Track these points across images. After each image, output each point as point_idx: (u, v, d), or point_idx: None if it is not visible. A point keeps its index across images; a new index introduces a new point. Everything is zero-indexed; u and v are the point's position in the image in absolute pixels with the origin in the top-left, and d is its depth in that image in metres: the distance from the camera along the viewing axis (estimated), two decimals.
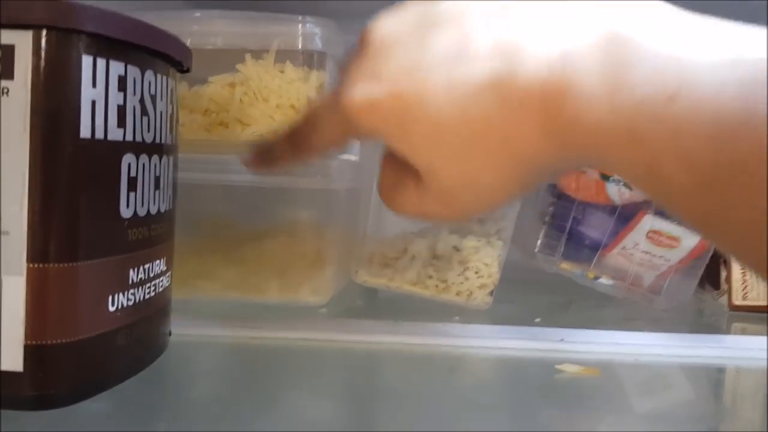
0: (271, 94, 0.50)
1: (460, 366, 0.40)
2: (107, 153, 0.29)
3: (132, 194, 0.30)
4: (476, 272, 0.49)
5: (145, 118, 0.31)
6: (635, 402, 0.35)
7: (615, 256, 0.53)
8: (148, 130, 0.31)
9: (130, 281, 0.31)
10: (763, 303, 0.54)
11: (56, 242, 0.27)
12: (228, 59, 0.50)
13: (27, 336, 0.27)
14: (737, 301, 0.54)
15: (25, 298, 0.27)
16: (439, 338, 0.42)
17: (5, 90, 0.26)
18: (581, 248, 0.54)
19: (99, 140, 0.28)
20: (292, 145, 0.35)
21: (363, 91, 0.28)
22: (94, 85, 0.28)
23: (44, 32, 0.26)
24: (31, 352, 0.27)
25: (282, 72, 0.50)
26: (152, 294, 0.33)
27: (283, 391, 0.34)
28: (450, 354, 0.41)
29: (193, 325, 0.41)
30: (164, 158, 0.33)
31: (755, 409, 0.36)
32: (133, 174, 0.30)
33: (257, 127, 0.50)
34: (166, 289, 0.35)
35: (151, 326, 0.34)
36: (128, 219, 0.30)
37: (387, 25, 0.29)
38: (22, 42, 0.26)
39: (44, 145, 0.26)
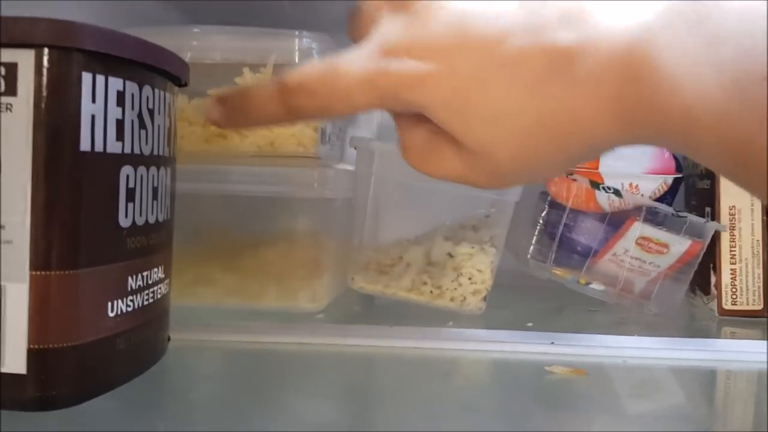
0: None
1: (452, 368, 0.41)
2: (106, 165, 0.30)
3: (130, 204, 0.31)
4: (470, 278, 0.51)
5: (143, 132, 0.32)
6: (624, 403, 0.36)
7: (606, 263, 0.54)
8: (146, 143, 0.33)
9: (129, 288, 0.32)
10: (752, 307, 0.55)
11: (58, 250, 0.28)
12: (226, 73, 0.52)
13: (30, 340, 0.28)
14: (727, 305, 0.55)
15: (28, 304, 0.28)
16: (433, 342, 0.43)
17: (8, 106, 0.27)
18: (573, 255, 0.55)
19: (98, 153, 0.29)
20: (285, 107, 0.29)
21: (415, 65, 0.25)
22: (93, 100, 0.29)
23: (46, 51, 0.27)
24: (34, 355, 0.28)
25: None
26: (151, 301, 0.34)
27: (280, 393, 0.35)
28: (443, 357, 0.42)
29: (191, 331, 0.42)
30: (162, 170, 0.35)
31: (746, 412, 0.37)
32: (131, 185, 0.32)
33: (255, 138, 0.51)
34: (165, 296, 0.37)
35: (150, 331, 0.35)
36: (127, 228, 0.31)
37: None
38: (24, 60, 0.27)
39: (46, 158, 0.28)
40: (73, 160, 0.28)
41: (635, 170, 0.53)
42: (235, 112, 0.31)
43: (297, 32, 0.51)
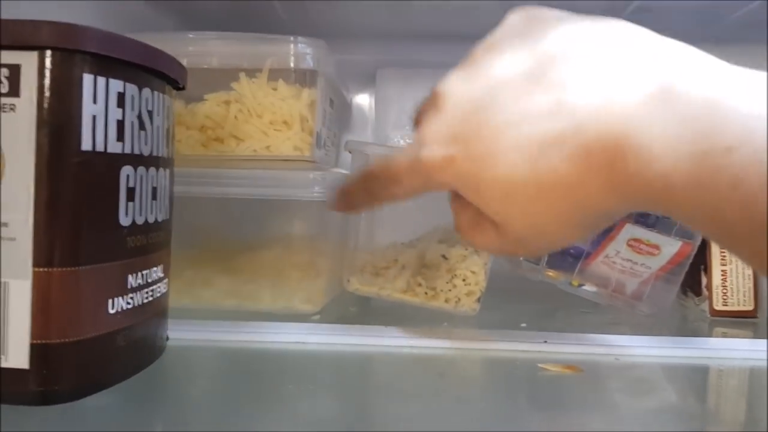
0: (265, 110, 0.52)
1: (447, 367, 0.41)
2: (107, 165, 0.31)
3: (130, 204, 0.32)
4: (464, 280, 0.51)
5: (142, 133, 0.33)
6: (617, 399, 0.37)
7: (598, 264, 0.55)
8: (146, 144, 0.33)
9: (129, 286, 0.33)
10: (743, 308, 0.55)
11: (60, 248, 0.29)
12: (223, 78, 0.52)
13: (33, 335, 0.29)
14: (718, 306, 0.56)
15: (30, 300, 0.28)
16: (427, 340, 0.44)
17: (12, 106, 0.28)
18: (565, 257, 0.55)
19: (99, 152, 0.30)
20: (368, 192, 0.38)
21: (440, 151, 0.31)
22: (94, 101, 0.30)
23: (48, 53, 0.28)
24: (36, 350, 0.29)
25: (275, 90, 0.53)
26: (150, 299, 0.35)
27: (276, 392, 0.35)
28: (437, 356, 0.42)
29: (190, 330, 0.43)
30: (161, 170, 0.35)
31: (738, 408, 0.37)
32: (131, 185, 0.32)
33: (251, 142, 0.52)
34: (164, 295, 0.37)
35: (149, 330, 0.35)
36: (127, 227, 0.32)
37: (459, 87, 0.31)
38: (27, 62, 0.28)
39: (48, 157, 0.28)
40: (74, 160, 0.29)
41: None
42: (342, 202, 0.40)
43: (292, 38, 0.52)
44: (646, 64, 0.27)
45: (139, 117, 0.33)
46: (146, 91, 0.33)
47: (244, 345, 0.43)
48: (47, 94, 0.28)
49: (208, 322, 0.45)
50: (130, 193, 0.32)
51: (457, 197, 0.35)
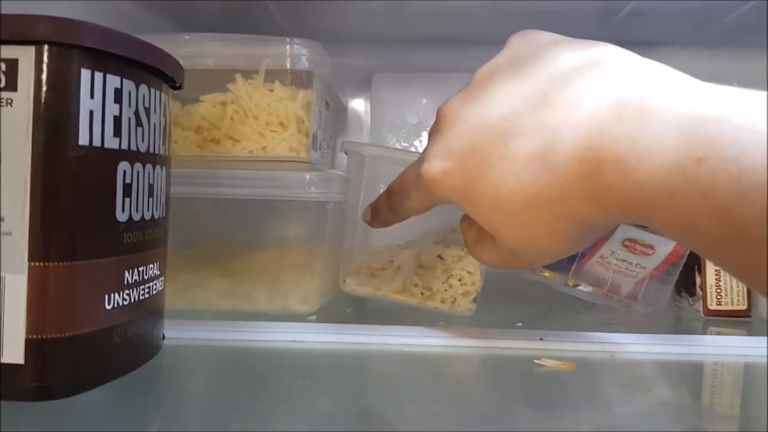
0: (261, 112, 0.52)
1: (443, 365, 0.41)
2: (104, 160, 0.31)
3: (127, 200, 0.32)
4: (459, 280, 0.51)
5: (139, 129, 0.33)
6: (613, 394, 0.37)
7: (593, 265, 0.55)
8: (143, 140, 0.33)
9: (126, 282, 0.33)
10: (737, 307, 0.56)
11: (56, 243, 0.29)
12: (219, 79, 0.53)
13: (28, 330, 0.28)
14: (712, 306, 0.56)
15: (26, 295, 0.28)
16: (423, 339, 0.44)
17: (9, 101, 0.28)
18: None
19: (96, 148, 0.30)
20: (390, 207, 0.42)
21: (437, 165, 0.34)
22: (92, 96, 0.30)
23: (46, 47, 0.28)
24: (31, 345, 0.28)
25: (271, 91, 0.53)
26: (146, 296, 0.35)
27: (273, 390, 0.35)
28: (433, 354, 0.42)
29: (185, 330, 0.43)
30: (157, 167, 0.35)
31: (733, 404, 0.38)
32: (128, 181, 0.32)
33: (247, 143, 0.52)
34: (160, 293, 0.37)
35: (146, 327, 0.35)
36: (124, 223, 0.32)
37: (458, 109, 0.34)
38: (25, 56, 0.28)
39: (45, 151, 0.28)
40: (71, 154, 0.29)
41: None
42: (375, 218, 0.45)
43: (288, 39, 0.53)
44: (623, 82, 0.28)
45: (136, 113, 0.33)
46: (143, 87, 0.33)
47: (240, 344, 0.43)
48: (44, 88, 0.28)
49: (203, 322, 0.45)
50: (127, 189, 0.32)
51: (466, 216, 0.38)
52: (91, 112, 0.30)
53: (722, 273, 0.56)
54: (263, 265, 0.51)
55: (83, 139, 0.29)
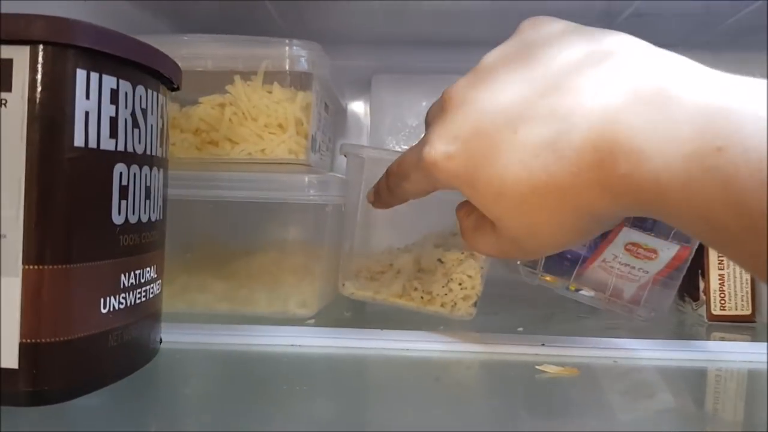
0: (260, 113, 0.52)
1: (443, 370, 0.41)
2: (100, 161, 0.30)
3: (123, 202, 0.32)
4: (460, 284, 0.51)
5: (136, 131, 0.32)
6: (616, 401, 0.36)
7: (595, 269, 0.54)
8: (139, 142, 0.33)
9: (122, 285, 0.32)
10: (740, 313, 0.55)
11: (51, 245, 0.28)
12: (218, 81, 0.52)
13: (22, 334, 0.28)
14: (715, 311, 0.56)
15: (20, 298, 0.28)
16: (423, 343, 0.43)
17: (3, 101, 0.28)
18: (562, 261, 0.55)
19: (92, 149, 0.30)
20: (388, 188, 0.41)
21: (441, 148, 0.32)
22: (87, 97, 0.29)
23: (41, 47, 0.28)
24: (26, 349, 0.28)
25: (270, 92, 0.52)
26: (143, 299, 0.34)
27: (271, 394, 0.35)
28: (434, 359, 0.42)
29: (183, 333, 0.42)
30: (154, 170, 0.35)
31: (737, 410, 0.37)
32: (124, 183, 0.32)
33: (246, 145, 0.52)
34: (157, 297, 0.37)
35: (142, 330, 0.35)
36: (120, 225, 0.32)
37: (465, 92, 0.33)
38: (19, 56, 0.28)
39: (40, 153, 0.28)
40: (66, 156, 0.28)
41: None
42: (377, 199, 0.44)
43: (287, 40, 0.52)
44: (640, 70, 0.28)
45: (133, 114, 0.32)
46: (140, 88, 0.33)
47: (238, 348, 0.42)
48: (39, 89, 0.28)
49: (201, 325, 0.45)
50: (123, 192, 0.32)
51: (463, 204, 0.37)
52: (87, 113, 0.29)
53: (726, 278, 0.56)
54: (262, 268, 0.51)
55: (78, 141, 0.29)
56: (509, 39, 0.34)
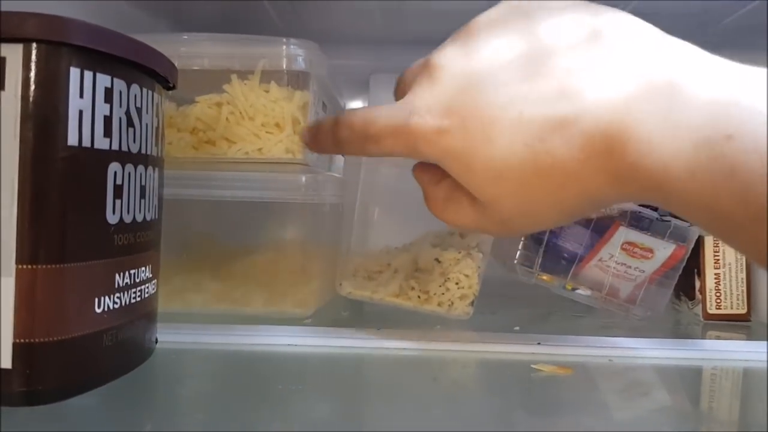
0: (257, 113, 0.52)
1: (440, 369, 0.41)
2: (94, 160, 0.30)
3: (118, 201, 0.32)
4: (457, 283, 0.51)
5: (130, 129, 0.32)
6: (611, 399, 0.36)
7: (592, 268, 0.54)
8: (134, 141, 0.33)
9: (116, 285, 0.32)
10: (736, 311, 0.55)
11: (44, 245, 0.28)
12: (214, 80, 0.52)
13: (16, 334, 0.28)
14: (711, 310, 0.56)
15: (14, 298, 0.28)
16: (420, 343, 0.43)
17: None
18: (559, 260, 0.55)
19: (86, 148, 0.29)
20: (336, 141, 0.36)
21: (432, 121, 0.30)
22: (81, 95, 0.29)
23: (34, 45, 0.28)
24: (19, 349, 0.28)
25: (267, 92, 0.52)
26: (138, 299, 0.34)
27: (268, 394, 0.35)
28: (430, 358, 0.42)
29: (179, 333, 0.42)
30: (149, 169, 0.35)
31: (732, 409, 0.37)
32: (119, 182, 0.32)
33: (243, 144, 0.52)
34: (152, 296, 0.37)
35: (137, 330, 0.35)
36: (114, 225, 0.31)
37: (457, 60, 0.31)
38: (13, 54, 0.28)
39: (33, 151, 0.28)
40: (60, 154, 0.28)
41: None
42: (311, 139, 0.40)
43: (284, 39, 0.52)
44: (650, 57, 0.27)
45: (127, 113, 0.32)
46: (135, 87, 0.33)
47: (235, 348, 0.42)
48: (32, 87, 0.28)
49: (197, 325, 0.44)
50: (118, 191, 0.32)
51: (426, 169, 0.35)
52: (81, 112, 0.29)
53: (722, 276, 0.56)
54: (259, 267, 0.51)
55: (72, 139, 0.29)
56: (501, 5, 0.32)
